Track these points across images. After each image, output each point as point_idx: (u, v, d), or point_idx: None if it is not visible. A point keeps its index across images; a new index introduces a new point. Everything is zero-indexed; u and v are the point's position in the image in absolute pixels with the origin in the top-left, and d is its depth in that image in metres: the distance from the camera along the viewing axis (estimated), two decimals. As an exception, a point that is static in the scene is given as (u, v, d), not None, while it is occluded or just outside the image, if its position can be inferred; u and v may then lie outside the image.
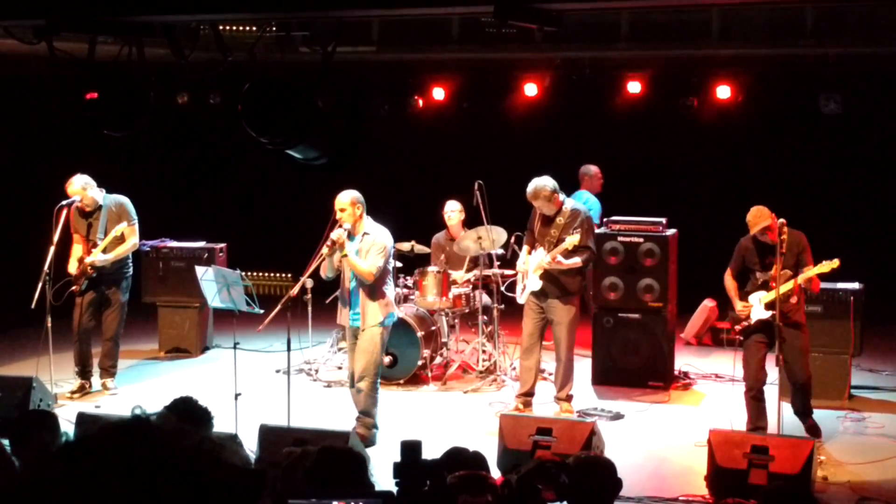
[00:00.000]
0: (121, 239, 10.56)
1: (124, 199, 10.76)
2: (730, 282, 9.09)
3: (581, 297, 10.05)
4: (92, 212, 10.59)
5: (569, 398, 9.91)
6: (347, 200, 8.87)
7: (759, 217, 8.81)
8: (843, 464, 8.49)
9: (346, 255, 8.79)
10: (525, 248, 10.01)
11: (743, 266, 9.05)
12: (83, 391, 10.63)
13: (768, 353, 8.95)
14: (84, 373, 10.70)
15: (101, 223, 10.56)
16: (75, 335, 10.64)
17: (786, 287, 8.67)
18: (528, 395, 9.94)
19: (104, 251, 10.47)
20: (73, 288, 10.53)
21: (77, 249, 10.61)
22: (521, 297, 9.93)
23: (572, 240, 9.45)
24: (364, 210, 8.94)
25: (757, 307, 8.83)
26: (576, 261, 9.53)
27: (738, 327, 8.94)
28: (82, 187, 10.45)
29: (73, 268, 10.54)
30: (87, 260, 10.47)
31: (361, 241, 8.92)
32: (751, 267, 8.98)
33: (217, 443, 1.92)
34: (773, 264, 8.69)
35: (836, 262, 8.63)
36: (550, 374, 10.47)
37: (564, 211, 9.69)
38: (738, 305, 8.94)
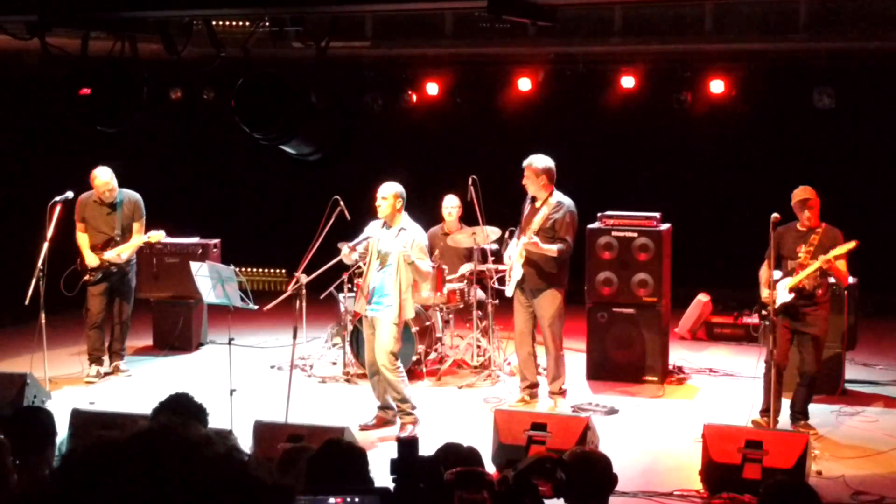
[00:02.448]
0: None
1: (137, 196, 11.11)
2: (763, 271, 9.09)
3: (566, 292, 10.03)
4: (111, 204, 10.85)
5: (562, 392, 9.93)
6: (391, 192, 9.08)
7: (801, 191, 8.94)
8: (838, 458, 8.50)
9: (412, 263, 8.98)
10: (513, 241, 10.05)
11: (778, 255, 9.03)
12: (100, 376, 10.98)
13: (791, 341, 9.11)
14: (100, 360, 11.05)
15: (118, 219, 10.86)
16: (93, 324, 10.95)
17: (809, 269, 8.74)
18: (532, 386, 10.01)
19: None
20: (87, 277, 10.82)
21: (84, 239, 10.85)
22: (509, 289, 9.99)
23: (542, 215, 9.54)
24: (403, 205, 9.14)
25: (782, 292, 8.87)
26: (552, 248, 9.55)
27: (763, 312, 8.95)
28: (112, 178, 10.80)
29: (91, 260, 10.80)
30: (106, 256, 10.79)
31: (398, 236, 9.03)
32: (784, 255, 9.00)
33: (247, 454, 1.88)
34: (802, 252, 8.83)
35: (853, 244, 8.79)
36: (545, 369, 10.49)
37: (550, 202, 9.70)
38: (764, 293, 8.98)
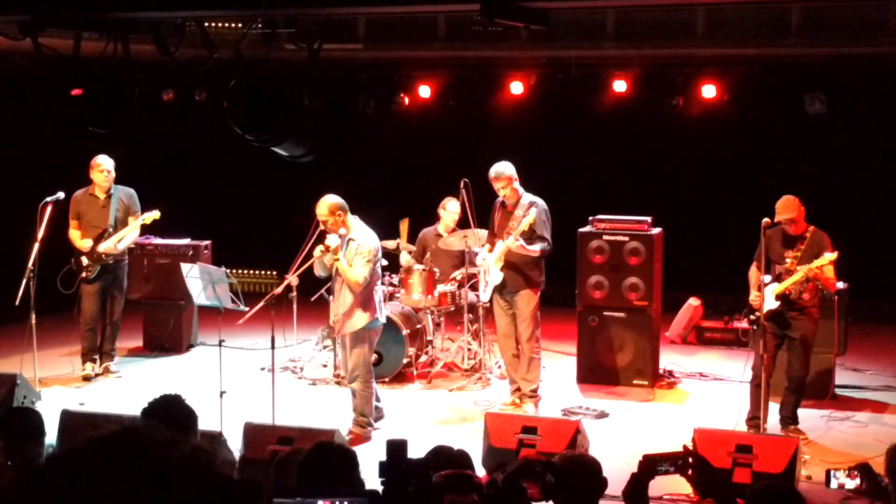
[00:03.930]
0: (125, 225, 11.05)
1: (132, 191, 11.14)
2: (752, 272, 9.09)
3: (542, 292, 10.03)
4: (106, 196, 10.88)
5: (534, 395, 9.89)
6: (326, 210, 8.68)
7: (785, 207, 8.92)
8: (827, 463, 8.50)
9: (337, 260, 8.70)
10: (486, 246, 10.06)
11: (767, 258, 9.04)
12: (94, 374, 11.04)
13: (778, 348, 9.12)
14: (93, 360, 11.08)
15: (111, 212, 10.88)
16: (88, 323, 10.97)
17: (794, 278, 8.75)
18: (521, 389, 9.98)
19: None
20: (83, 274, 10.83)
21: (76, 235, 10.87)
22: (485, 294, 10.04)
23: (528, 219, 9.51)
24: (346, 214, 8.77)
25: (769, 298, 8.88)
26: (535, 248, 9.56)
27: (751, 317, 8.96)
28: (113, 166, 10.87)
29: (83, 244, 10.80)
30: (101, 248, 10.79)
31: (347, 247, 8.79)
32: (772, 258, 9.02)
33: (211, 453, 1.90)
34: (789, 258, 8.84)
35: (835, 255, 8.79)
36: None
37: (522, 204, 9.73)
38: (752, 295, 8.99)
